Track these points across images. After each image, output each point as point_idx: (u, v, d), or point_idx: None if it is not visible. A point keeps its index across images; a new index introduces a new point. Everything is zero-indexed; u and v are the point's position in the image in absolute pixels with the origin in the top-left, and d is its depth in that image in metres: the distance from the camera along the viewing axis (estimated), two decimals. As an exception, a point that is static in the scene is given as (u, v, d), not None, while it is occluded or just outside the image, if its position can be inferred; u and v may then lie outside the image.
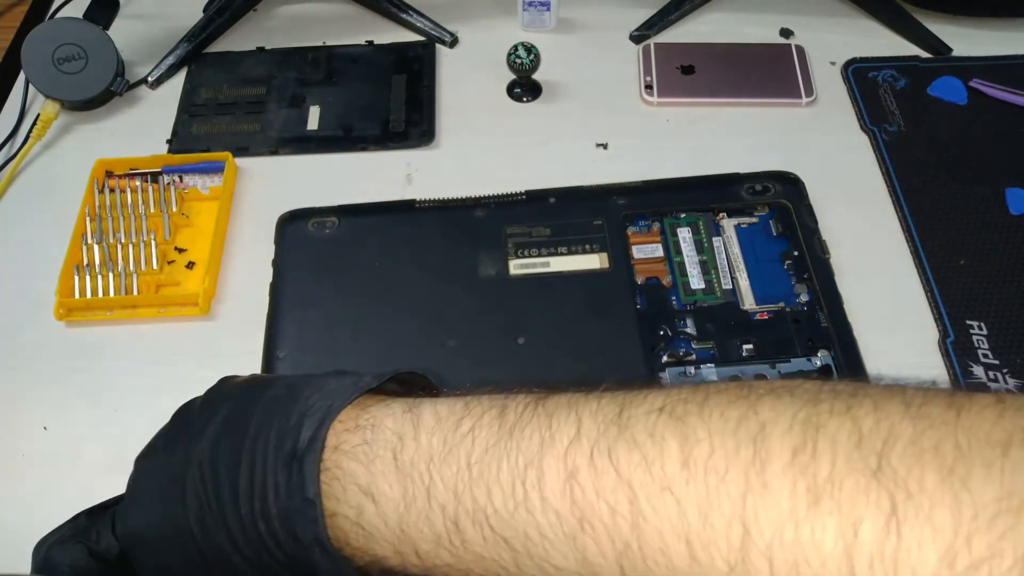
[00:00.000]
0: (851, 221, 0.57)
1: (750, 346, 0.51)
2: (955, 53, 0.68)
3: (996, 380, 0.50)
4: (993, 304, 0.53)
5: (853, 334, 0.51)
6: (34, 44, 0.64)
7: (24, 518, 0.49)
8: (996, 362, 0.51)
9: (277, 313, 0.54)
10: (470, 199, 0.58)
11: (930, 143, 0.62)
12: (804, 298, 0.53)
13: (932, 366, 0.52)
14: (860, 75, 0.67)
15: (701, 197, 0.58)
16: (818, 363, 0.50)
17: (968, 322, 0.53)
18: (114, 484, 0.49)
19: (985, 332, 0.52)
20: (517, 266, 0.55)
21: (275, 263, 0.56)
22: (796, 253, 0.55)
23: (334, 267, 0.55)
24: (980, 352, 0.52)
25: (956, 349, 0.52)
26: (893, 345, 0.52)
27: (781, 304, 0.53)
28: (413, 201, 0.59)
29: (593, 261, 0.55)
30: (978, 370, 0.51)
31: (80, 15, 0.66)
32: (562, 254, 0.55)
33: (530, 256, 0.55)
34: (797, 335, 0.51)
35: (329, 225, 0.57)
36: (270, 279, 0.56)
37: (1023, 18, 0.70)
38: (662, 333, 0.52)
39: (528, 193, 0.58)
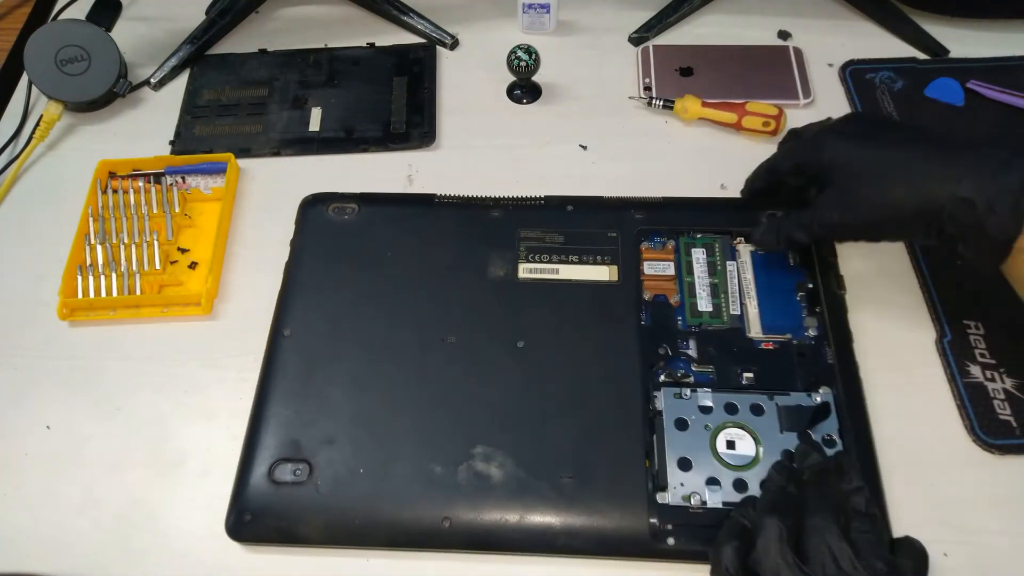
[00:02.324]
0: None
1: (751, 374, 0.50)
2: (952, 55, 0.68)
3: (993, 380, 0.51)
4: (991, 304, 0.53)
5: (859, 372, 0.50)
6: (37, 45, 0.64)
7: (26, 518, 0.49)
8: (993, 362, 0.51)
9: (288, 292, 0.55)
10: (489, 199, 0.58)
11: None
12: (812, 332, 0.51)
13: (929, 366, 0.52)
14: (858, 76, 0.67)
15: (721, 219, 0.57)
16: (817, 399, 0.49)
17: (965, 322, 0.53)
18: (116, 484, 0.50)
19: (982, 332, 0.53)
20: (526, 270, 0.55)
21: (293, 244, 0.57)
22: (811, 285, 0.53)
23: (348, 252, 0.56)
24: (977, 352, 0.52)
25: (953, 349, 0.52)
26: (889, 344, 0.52)
27: (788, 336, 0.51)
28: (432, 196, 0.59)
29: (603, 273, 0.54)
30: (975, 370, 0.51)
31: (83, 17, 0.67)
32: (572, 262, 0.55)
33: (540, 261, 0.55)
34: (800, 368, 0.50)
35: (348, 211, 0.58)
36: (280, 268, 0.56)
37: (1020, 19, 0.70)
38: (662, 352, 0.51)
39: (547, 198, 0.58)
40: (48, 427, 0.52)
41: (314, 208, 0.59)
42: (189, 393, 0.53)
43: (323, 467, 0.48)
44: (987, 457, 0.48)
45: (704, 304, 0.53)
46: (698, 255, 0.56)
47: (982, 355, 0.52)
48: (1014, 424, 0.49)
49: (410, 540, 0.46)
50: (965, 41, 0.69)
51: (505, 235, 0.56)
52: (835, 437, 0.48)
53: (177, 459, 0.51)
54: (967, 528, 0.46)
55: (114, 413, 0.53)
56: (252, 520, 0.46)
